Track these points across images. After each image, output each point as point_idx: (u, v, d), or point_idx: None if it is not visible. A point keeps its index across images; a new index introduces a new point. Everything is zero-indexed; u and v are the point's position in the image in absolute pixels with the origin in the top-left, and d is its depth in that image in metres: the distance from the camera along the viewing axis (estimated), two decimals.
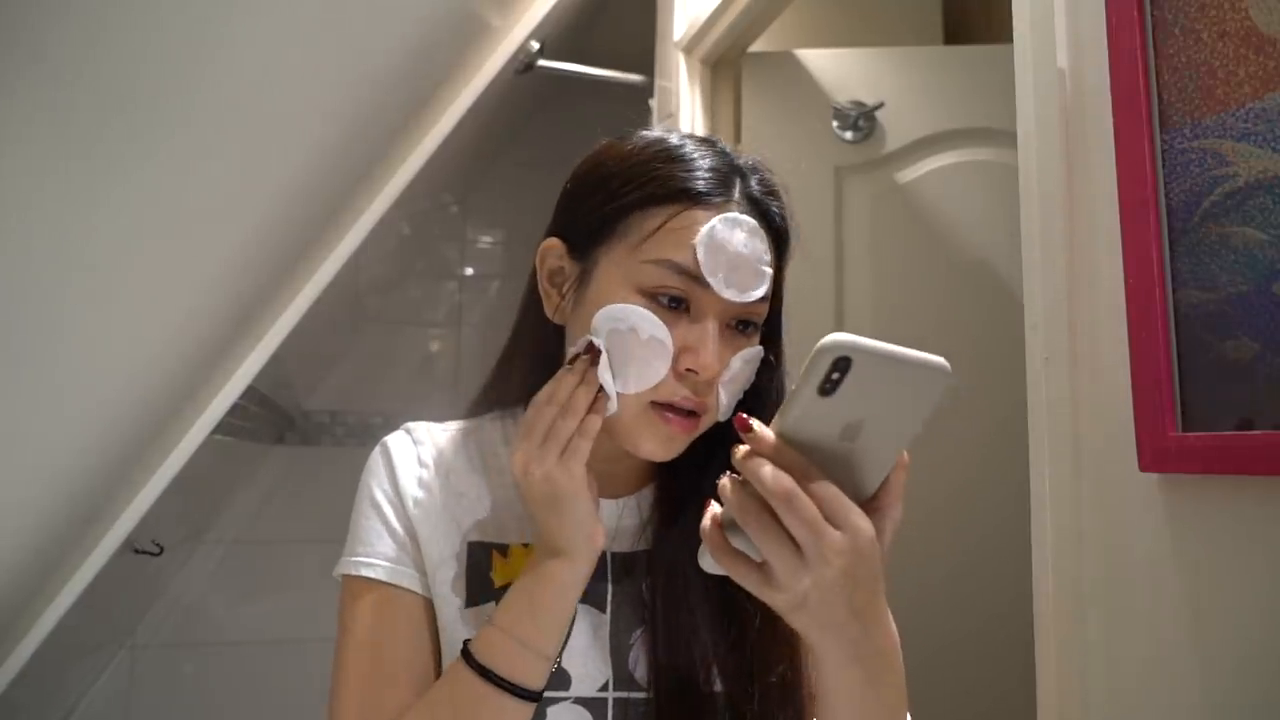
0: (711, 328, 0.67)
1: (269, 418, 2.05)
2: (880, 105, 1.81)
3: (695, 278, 0.66)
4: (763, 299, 0.69)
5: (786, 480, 0.49)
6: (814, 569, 0.50)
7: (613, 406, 0.67)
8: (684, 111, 1.72)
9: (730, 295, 0.67)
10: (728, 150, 0.73)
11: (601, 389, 0.66)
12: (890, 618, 0.57)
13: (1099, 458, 0.72)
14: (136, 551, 1.53)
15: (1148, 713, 0.66)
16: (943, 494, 1.71)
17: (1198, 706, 0.63)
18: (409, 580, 0.71)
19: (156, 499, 1.43)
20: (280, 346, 1.59)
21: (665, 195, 0.68)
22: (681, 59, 1.74)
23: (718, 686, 0.69)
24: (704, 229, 0.66)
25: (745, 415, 0.52)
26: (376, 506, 0.73)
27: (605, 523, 0.73)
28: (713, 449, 0.71)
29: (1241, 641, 0.61)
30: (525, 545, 0.73)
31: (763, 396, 0.72)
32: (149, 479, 1.43)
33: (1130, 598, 0.68)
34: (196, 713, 2.16)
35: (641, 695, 0.69)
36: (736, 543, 0.53)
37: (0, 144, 0.79)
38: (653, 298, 0.67)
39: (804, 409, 0.50)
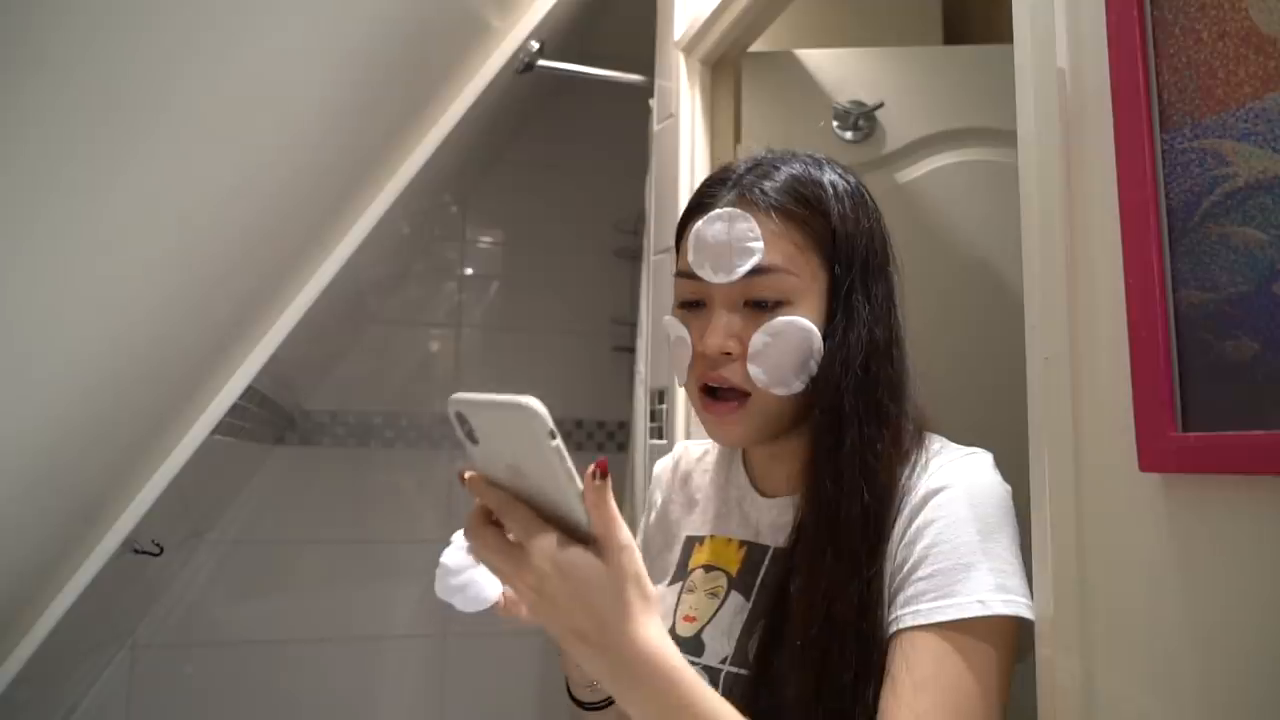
0: (716, 313, 0.77)
1: (269, 418, 2.04)
2: (880, 105, 1.80)
3: (693, 276, 0.78)
4: (755, 270, 0.76)
5: (474, 518, 0.57)
6: (521, 593, 0.56)
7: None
8: (684, 111, 1.71)
9: (720, 279, 0.77)
10: (733, 165, 0.83)
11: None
12: (645, 641, 0.54)
13: (1099, 458, 0.72)
14: (136, 551, 1.52)
15: (1148, 713, 0.66)
16: None
17: (1198, 706, 0.63)
18: None
19: (156, 499, 1.43)
20: (280, 346, 1.59)
21: (681, 225, 0.83)
22: (681, 59, 1.74)
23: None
24: (690, 234, 0.79)
25: (603, 459, 0.56)
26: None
27: (762, 517, 0.84)
28: (847, 457, 0.76)
29: (1242, 642, 0.61)
30: (712, 537, 0.88)
31: (846, 359, 0.77)
32: (149, 479, 1.43)
33: (1130, 598, 0.68)
34: (196, 713, 2.16)
35: (745, 673, 0.76)
36: None
37: None
38: (681, 305, 0.82)
39: (472, 456, 0.56)
